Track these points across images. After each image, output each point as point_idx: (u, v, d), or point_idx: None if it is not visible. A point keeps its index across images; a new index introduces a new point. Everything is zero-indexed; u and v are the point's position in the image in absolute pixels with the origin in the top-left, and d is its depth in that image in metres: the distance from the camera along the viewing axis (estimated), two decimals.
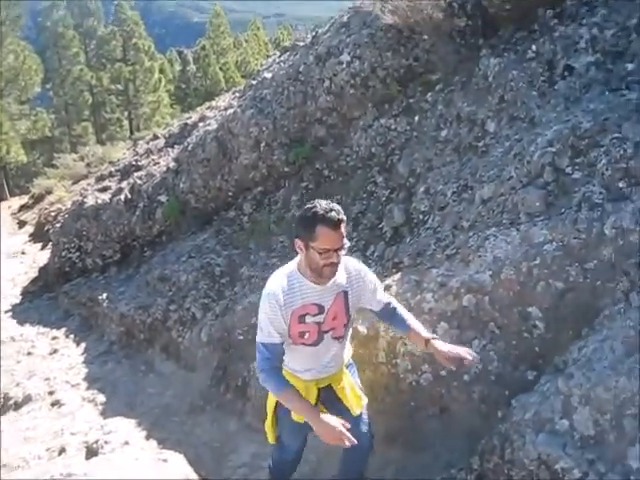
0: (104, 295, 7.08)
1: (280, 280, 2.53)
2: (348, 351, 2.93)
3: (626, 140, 3.09)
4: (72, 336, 6.99)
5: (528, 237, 3.08)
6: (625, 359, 2.25)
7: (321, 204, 2.36)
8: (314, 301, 2.52)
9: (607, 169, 3.05)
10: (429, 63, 5.36)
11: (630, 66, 3.79)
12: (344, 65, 5.81)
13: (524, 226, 3.17)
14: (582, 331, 2.73)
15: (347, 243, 2.42)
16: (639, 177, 2.92)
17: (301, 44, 6.98)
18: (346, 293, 2.61)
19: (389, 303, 2.81)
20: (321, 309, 2.54)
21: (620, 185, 2.97)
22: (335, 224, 2.32)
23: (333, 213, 2.32)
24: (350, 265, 2.67)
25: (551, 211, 3.14)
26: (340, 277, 2.58)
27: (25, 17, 27.70)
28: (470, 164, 4.18)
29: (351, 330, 2.88)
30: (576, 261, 2.88)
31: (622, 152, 3.04)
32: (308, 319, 2.54)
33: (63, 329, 7.24)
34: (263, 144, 6.43)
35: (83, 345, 6.67)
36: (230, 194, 6.92)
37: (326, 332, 2.61)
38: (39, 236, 12.63)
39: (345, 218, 2.40)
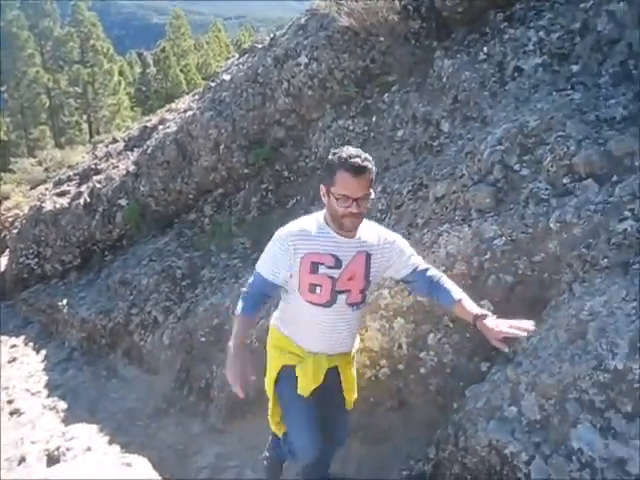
0: (64, 301, 7.00)
1: (302, 223, 2.43)
2: (357, 337, 2.81)
3: (569, 138, 3.22)
4: (31, 344, 6.91)
5: (479, 233, 3.18)
6: (568, 346, 2.36)
7: (348, 149, 2.27)
8: (332, 252, 2.36)
9: (552, 166, 3.17)
10: (385, 65, 5.46)
11: (575, 67, 3.93)
12: (302, 67, 5.87)
13: (475, 222, 3.27)
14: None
15: (371, 194, 2.30)
16: (582, 173, 3.05)
17: (259, 46, 7.02)
18: (369, 255, 2.44)
19: (427, 270, 2.56)
20: (338, 262, 2.38)
21: (564, 181, 3.09)
22: (356, 170, 2.21)
23: (357, 159, 2.22)
24: (381, 232, 2.54)
25: (500, 207, 3.25)
26: (366, 236, 2.45)
27: None
28: (425, 163, 4.28)
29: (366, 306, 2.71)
30: (524, 255, 2.99)
31: (566, 149, 3.17)
32: (322, 270, 2.37)
33: (22, 337, 7.14)
34: (222, 146, 6.45)
35: (43, 352, 6.60)
36: (190, 197, 6.92)
37: (340, 292, 2.43)
38: None
39: (372, 168, 2.27)
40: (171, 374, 5.04)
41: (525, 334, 2.22)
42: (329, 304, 2.43)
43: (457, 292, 2.48)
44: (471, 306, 2.43)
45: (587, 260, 2.69)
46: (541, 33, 4.25)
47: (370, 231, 2.49)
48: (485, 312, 2.38)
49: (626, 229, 2.58)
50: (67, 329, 6.71)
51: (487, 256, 3.08)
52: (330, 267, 2.38)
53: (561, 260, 2.84)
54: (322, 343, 2.56)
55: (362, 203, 2.27)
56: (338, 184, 2.24)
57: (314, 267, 2.37)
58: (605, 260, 2.60)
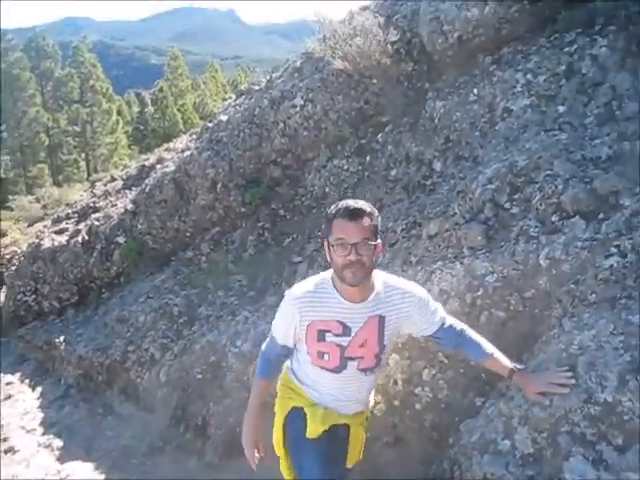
0: (61, 338, 7.01)
1: (307, 285, 2.31)
2: (372, 395, 2.69)
3: (557, 177, 3.32)
4: (27, 381, 6.88)
5: (471, 270, 3.26)
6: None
7: (347, 201, 2.18)
8: (339, 318, 2.24)
9: (541, 204, 3.27)
10: (379, 106, 5.62)
11: (561, 108, 4.07)
12: (298, 108, 6.04)
13: (467, 259, 3.35)
14: (523, 357, 2.89)
15: (373, 242, 2.15)
16: (569, 211, 3.14)
17: (256, 88, 7.22)
18: (382, 318, 2.29)
19: (453, 325, 2.48)
20: (346, 330, 2.25)
21: (553, 219, 3.19)
22: (351, 213, 2.12)
23: (352, 204, 2.14)
24: (399, 285, 2.37)
25: (492, 244, 3.33)
26: (379, 296, 2.29)
27: None
28: (418, 202, 4.38)
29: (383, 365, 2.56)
30: (515, 291, 3.06)
31: (554, 188, 3.27)
32: (329, 338, 2.27)
33: (18, 374, 7.11)
34: (220, 185, 6.57)
35: (39, 389, 6.58)
36: (188, 235, 7.00)
37: (350, 359, 2.31)
38: None
39: (372, 213, 2.17)
40: (167, 411, 5.03)
41: (565, 391, 2.25)
42: (339, 370, 2.34)
43: (487, 345, 2.45)
44: (504, 360, 2.43)
45: (576, 295, 2.76)
46: (529, 76, 4.40)
47: (384, 287, 2.33)
48: (519, 366, 2.42)
49: (612, 265, 2.65)
50: (64, 366, 6.70)
51: (479, 293, 3.15)
52: (337, 335, 2.26)
53: (551, 296, 2.91)
54: (332, 402, 2.46)
55: (362, 250, 2.12)
56: (334, 231, 2.15)
57: (321, 335, 2.27)
58: (593, 295, 2.67)
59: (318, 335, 2.27)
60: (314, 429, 2.43)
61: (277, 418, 2.57)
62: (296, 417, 2.48)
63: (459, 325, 2.50)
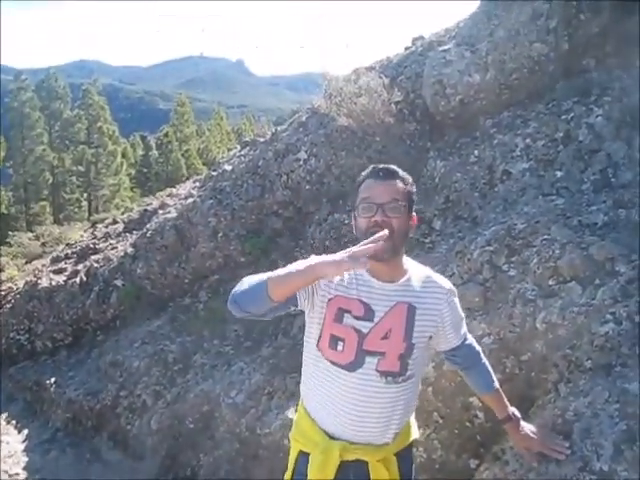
0: (52, 379, 6.94)
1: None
2: (412, 421, 2.18)
3: (554, 241, 3.38)
4: (14, 422, 6.76)
5: (468, 330, 3.27)
6: None
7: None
8: (362, 297, 1.87)
9: (538, 267, 3.32)
10: (381, 163, 5.70)
11: (559, 173, 4.18)
12: (301, 162, 6.17)
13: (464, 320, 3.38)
14: None
15: (403, 203, 1.85)
16: (566, 275, 3.19)
17: (261, 140, 7.39)
18: (412, 308, 1.92)
19: (473, 344, 2.19)
20: (369, 313, 1.88)
21: (550, 282, 3.23)
22: (381, 172, 1.88)
23: (383, 166, 1.92)
24: (434, 277, 2.05)
25: (489, 306, 3.37)
26: (413, 281, 1.96)
27: None
28: (417, 260, 4.41)
29: (419, 382, 2.14)
30: (512, 353, 3.08)
31: (551, 252, 3.33)
32: (347, 319, 1.88)
33: (4, 414, 6.98)
34: (221, 234, 6.63)
35: (25, 432, 6.45)
36: (186, 281, 7.02)
37: (368, 354, 1.89)
38: None
39: (407, 179, 1.92)
40: (156, 460, 4.96)
41: (561, 457, 2.13)
42: (353, 367, 1.90)
43: (495, 379, 2.21)
44: (505, 401, 2.23)
45: (572, 361, 2.78)
46: (527, 140, 4.52)
47: (420, 274, 2.01)
48: (517, 414, 2.24)
49: (608, 332, 2.68)
50: (52, 408, 6.60)
51: None
52: (358, 317, 1.88)
53: (547, 360, 2.93)
54: (341, 424, 1.96)
55: (392, 212, 1.82)
56: (361, 194, 1.89)
57: (339, 314, 1.89)
58: (589, 361, 2.69)
59: (337, 314, 1.89)
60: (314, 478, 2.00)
61: (289, 463, 2.17)
62: (302, 464, 2.07)
63: (477, 346, 2.23)
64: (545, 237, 3.47)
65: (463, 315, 2.11)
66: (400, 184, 1.89)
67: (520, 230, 3.64)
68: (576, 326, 2.85)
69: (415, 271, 2.00)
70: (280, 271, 1.82)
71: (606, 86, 4.44)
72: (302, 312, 2.01)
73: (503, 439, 2.82)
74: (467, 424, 3.13)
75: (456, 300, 2.07)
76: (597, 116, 4.27)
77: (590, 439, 2.30)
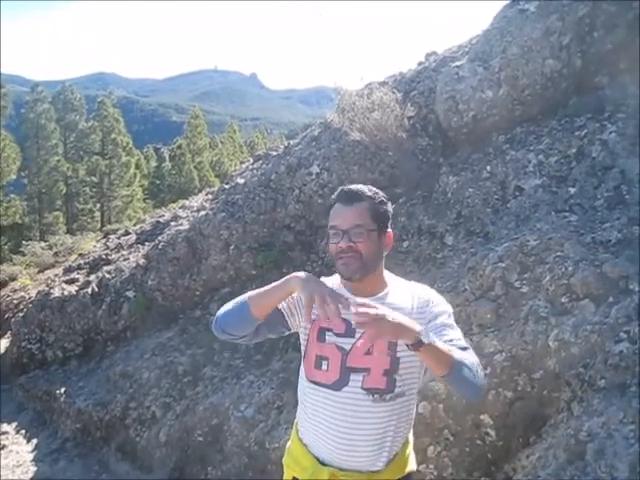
0: (62, 389, 6.94)
1: (323, 279, 1.97)
2: (409, 451, 2.06)
3: (567, 258, 3.37)
4: (23, 431, 6.76)
5: (479, 347, 3.25)
6: (567, 466, 2.38)
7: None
8: (343, 315, 1.78)
9: (551, 285, 3.31)
10: (393, 177, 5.74)
11: (572, 190, 4.16)
12: (314, 176, 6.18)
13: (476, 337, 3.36)
14: (530, 438, 2.86)
15: (372, 228, 1.84)
16: (579, 293, 3.17)
17: (274, 153, 7.41)
18: None
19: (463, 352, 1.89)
20: (349, 330, 1.86)
21: (562, 300, 3.21)
22: (346, 196, 1.87)
23: (349, 187, 1.89)
24: (421, 292, 1.98)
25: (501, 323, 3.35)
26: (395, 296, 1.93)
27: (9, 107, 28.67)
28: (429, 275, 4.42)
29: (413, 403, 2.02)
30: (524, 371, 3.05)
31: (564, 270, 3.31)
32: (329, 337, 1.90)
33: (14, 423, 6.99)
34: (232, 247, 6.64)
35: (34, 441, 6.45)
36: (197, 293, 7.02)
37: (353, 371, 1.87)
38: None
39: (374, 197, 1.88)
40: (164, 472, 4.95)
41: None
42: (338, 385, 1.88)
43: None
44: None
45: (585, 379, 2.75)
46: (540, 156, 4.52)
47: (403, 290, 1.97)
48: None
49: (622, 351, 2.66)
50: (62, 418, 6.60)
51: (487, 371, 3.13)
52: (339, 335, 1.89)
53: (560, 378, 2.90)
54: (331, 449, 1.92)
55: (356, 238, 1.83)
56: (330, 218, 1.90)
57: (321, 334, 1.92)
58: (602, 381, 2.66)
59: (319, 333, 1.92)
60: None
61: None
62: None
63: (470, 357, 1.86)
64: (558, 254, 3.45)
65: (450, 322, 1.92)
66: (366, 205, 1.87)
67: (533, 247, 3.63)
68: (589, 344, 2.83)
69: (395, 284, 1.99)
70: (260, 289, 1.95)
71: (620, 103, 4.44)
72: None
73: (515, 458, 2.80)
74: (478, 442, 3.10)
75: (437, 309, 1.93)
76: (611, 132, 4.26)
77: (604, 460, 2.27)
